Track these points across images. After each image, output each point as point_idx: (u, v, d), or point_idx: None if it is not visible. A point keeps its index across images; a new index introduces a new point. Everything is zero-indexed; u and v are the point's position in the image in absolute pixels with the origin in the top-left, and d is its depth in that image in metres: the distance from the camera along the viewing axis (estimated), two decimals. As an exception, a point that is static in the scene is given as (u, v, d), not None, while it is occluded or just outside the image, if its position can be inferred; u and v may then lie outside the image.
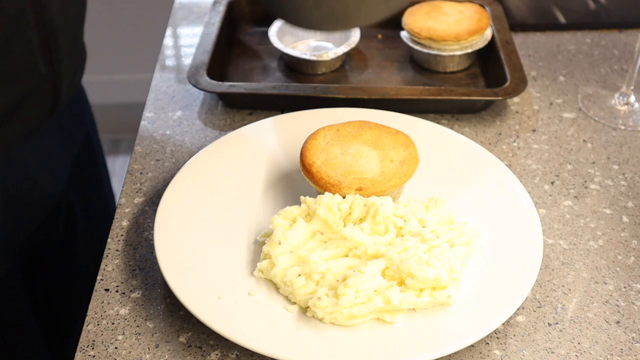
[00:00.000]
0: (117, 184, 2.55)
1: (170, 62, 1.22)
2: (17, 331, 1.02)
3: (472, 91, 1.06)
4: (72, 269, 1.13)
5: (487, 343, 0.77)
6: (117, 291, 0.82)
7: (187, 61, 1.19)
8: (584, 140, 1.04)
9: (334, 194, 0.83)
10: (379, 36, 1.25)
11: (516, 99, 1.11)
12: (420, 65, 1.18)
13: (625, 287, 0.83)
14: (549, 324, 0.79)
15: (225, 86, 1.06)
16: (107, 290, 0.82)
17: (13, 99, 0.85)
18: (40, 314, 1.07)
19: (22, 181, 0.96)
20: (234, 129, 1.03)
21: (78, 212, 1.10)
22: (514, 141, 1.03)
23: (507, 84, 1.05)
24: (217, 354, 0.75)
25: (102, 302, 0.80)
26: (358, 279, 0.74)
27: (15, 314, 1.01)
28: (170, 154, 1.01)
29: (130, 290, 0.82)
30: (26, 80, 0.86)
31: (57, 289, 1.12)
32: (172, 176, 0.92)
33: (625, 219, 0.91)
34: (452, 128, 1.04)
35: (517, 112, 1.08)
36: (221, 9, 1.22)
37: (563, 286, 0.83)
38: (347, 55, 1.18)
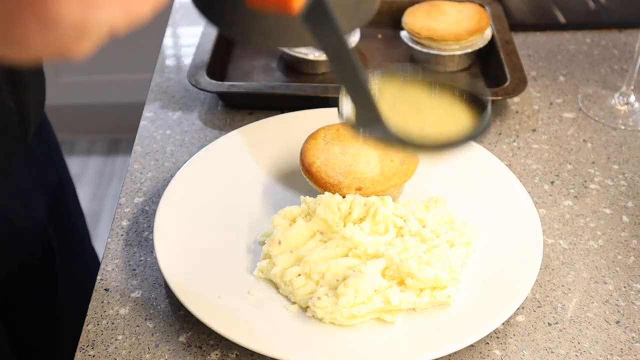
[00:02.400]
0: (117, 183, 2.55)
1: (170, 62, 1.22)
2: None
3: (472, 91, 1.06)
4: (51, 306, 1.11)
5: (487, 343, 0.77)
6: (117, 291, 0.82)
7: (187, 61, 1.19)
8: (584, 140, 1.04)
9: (334, 193, 0.83)
10: (379, 36, 1.25)
11: (516, 99, 1.11)
12: (420, 65, 1.18)
13: (625, 287, 0.83)
14: (549, 324, 0.79)
15: (225, 86, 1.06)
16: (107, 290, 0.82)
17: None
18: (22, 342, 1.06)
19: None
20: (234, 128, 1.03)
21: (55, 248, 1.07)
22: (514, 141, 1.03)
23: (507, 83, 1.05)
24: (217, 354, 0.75)
25: (102, 302, 0.80)
26: (358, 279, 0.74)
27: None
28: (170, 153, 1.01)
29: (130, 290, 0.82)
30: None
31: (38, 327, 1.10)
32: (172, 176, 0.92)
33: (625, 218, 0.91)
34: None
35: (517, 112, 1.08)
36: (221, 8, 1.22)
37: (563, 286, 0.83)
38: (347, 55, 1.18)
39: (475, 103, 0.71)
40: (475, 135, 0.68)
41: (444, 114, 0.71)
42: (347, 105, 0.69)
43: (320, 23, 0.53)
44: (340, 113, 0.70)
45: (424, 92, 0.73)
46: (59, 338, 1.13)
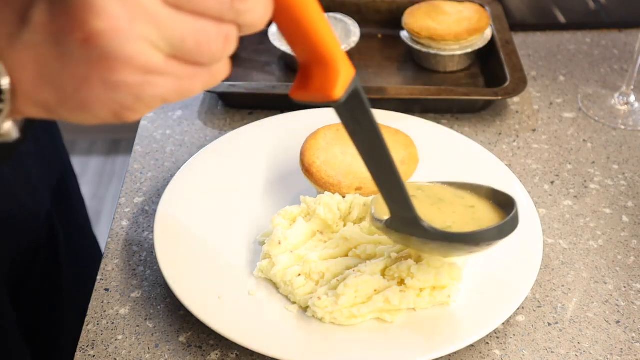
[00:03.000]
0: (117, 183, 2.55)
1: (170, 62, 1.22)
2: (5, 354, 1.02)
3: (472, 91, 1.06)
4: (57, 290, 1.14)
5: (487, 343, 0.77)
6: (117, 291, 0.82)
7: (187, 61, 1.19)
8: (584, 140, 1.04)
9: (333, 193, 0.83)
10: (379, 36, 1.25)
11: (516, 99, 1.11)
12: (420, 65, 1.18)
13: (625, 287, 0.83)
14: (549, 324, 0.79)
15: (225, 86, 1.06)
16: (107, 290, 0.82)
17: None
18: (28, 333, 1.07)
19: (4, 199, 0.95)
20: (233, 128, 1.03)
21: (59, 230, 1.10)
22: (514, 141, 1.03)
23: (507, 83, 1.05)
24: (217, 354, 0.75)
25: (102, 302, 0.80)
26: (358, 279, 0.74)
27: (3, 335, 1.00)
28: (170, 153, 1.01)
29: (130, 290, 0.82)
30: None
31: (43, 308, 1.12)
32: (172, 176, 0.92)
33: (625, 218, 0.91)
34: (452, 128, 1.04)
35: (517, 112, 1.08)
36: (221, 8, 1.22)
37: (563, 286, 0.83)
38: (347, 55, 1.18)
39: (502, 206, 0.72)
40: (504, 230, 0.69)
41: (465, 212, 0.72)
42: (378, 205, 0.71)
43: (355, 112, 0.56)
44: (371, 215, 0.72)
45: (448, 189, 0.75)
46: (59, 329, 1.14)
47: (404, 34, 1.18)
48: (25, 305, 1.07)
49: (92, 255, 1.24)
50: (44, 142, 1.08)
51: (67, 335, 1.08)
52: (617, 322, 0.79)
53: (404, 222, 0.68)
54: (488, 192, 0.75)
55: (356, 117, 0.57)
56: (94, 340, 0.77)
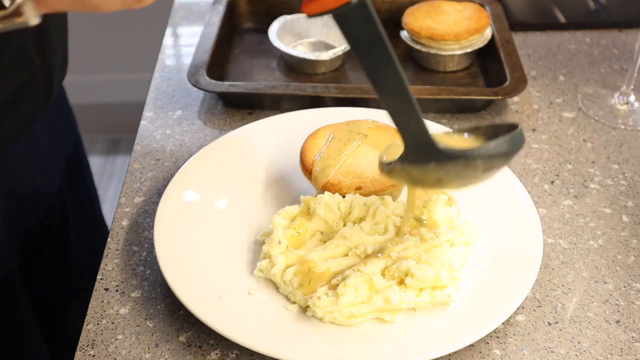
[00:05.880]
0: (117, 183, 2.55)
1: (170, 61, 1.22)
2: (16, 329, 1.03)
3: (472, 90, 1.06)
4: (66, 267, 1.16)
5: (487, 342, 0.77)
6: (117, 291, 0.82)
7: (187, 61, 1.19)
8: (583, 140, 1.04)
9: (333, 193, 0.83)
10: (379, 36, 1.25)
11: (516, 99, 1.11)
12: (420, 64, 1.18)
13: (625, 287, 0.83)
14: (549, 324, 0.79)
15: (225, 86, 1.07)
16: (107, 289, 0.82)
17: (9, 92, 0.87)
18: (38, 310, 1.08)
19: (18, 179, 0.97)
20: (233, 128, 1.03)
21: (70, 210, 1.13)
22: (514, 141, 1.03)
23: (507, 83, 1.05)
24: (217, 354, 0.75)
25: (102, 302, 0.80)
26: (358, 279, 0.74)
27: (15, 312, 1.01)
28: (170, 153, 1.01)
29: (130, 290, 0.82)
30: (21, 73, 0.88)
31: (53, 285, 1.13)
32: (172, 176, 0.92)
33: (625, 218, 0.91)
34: (452, 127, 1.04)
35: (516, 112, 1.08)
36: (221, 8, 1.22)
37: (563, 285, 0.83)
38: (347, 55, 1.18)
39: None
40: (515, 141, 0.67)
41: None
42: (389, 151, 0.70)
43: (365, 22, 0.55)
44: (381, 163, 0.70)
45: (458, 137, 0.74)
46: (72, 303, 1.16)
47: (404, 34, 1.18)
48: (36, 285, 1.09)
49: (100, 229, 1.27)
50: (58, 121, 1.10)
51: (74, 317, 1.09)
52: (617, 321, 0.79)
53: (418, 151, 0.66)
54: (488, 131, 0.72)
55: (366, 28, 0.55)
56: (94, 340, 0.77)
